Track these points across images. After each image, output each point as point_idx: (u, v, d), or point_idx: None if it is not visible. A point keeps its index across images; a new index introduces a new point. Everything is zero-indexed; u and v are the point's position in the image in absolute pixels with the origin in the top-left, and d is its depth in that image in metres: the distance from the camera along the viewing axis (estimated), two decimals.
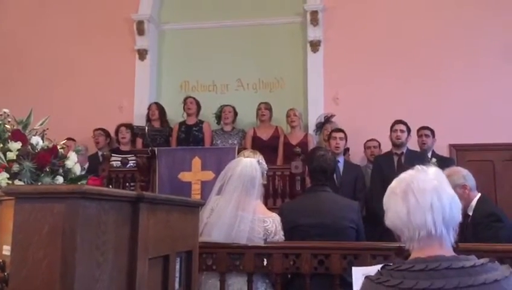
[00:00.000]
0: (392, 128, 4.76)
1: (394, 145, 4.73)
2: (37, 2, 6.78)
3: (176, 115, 6.19)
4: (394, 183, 1.46)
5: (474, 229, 2.97)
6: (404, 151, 4.69)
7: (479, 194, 3.15)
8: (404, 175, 1.45)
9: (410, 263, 1.34)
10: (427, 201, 1.36)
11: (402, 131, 4.68)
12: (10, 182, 1.97)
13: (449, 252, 1.37)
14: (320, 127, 5.72)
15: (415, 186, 1.39)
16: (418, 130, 5.08)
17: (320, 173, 2.88)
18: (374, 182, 4.73)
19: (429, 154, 5.01)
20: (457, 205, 1.41)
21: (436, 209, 1.36)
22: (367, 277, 1.41)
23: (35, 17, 6.73)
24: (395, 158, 4.69)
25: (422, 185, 1.39)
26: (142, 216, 1.43)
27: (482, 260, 1.32)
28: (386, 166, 4.67)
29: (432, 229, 1.35)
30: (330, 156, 2.99)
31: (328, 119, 5.66)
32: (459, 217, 1.41)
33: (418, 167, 1.46)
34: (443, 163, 4.54)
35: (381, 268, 1.40)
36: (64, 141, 2.46)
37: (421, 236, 1.35)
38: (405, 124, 4.74)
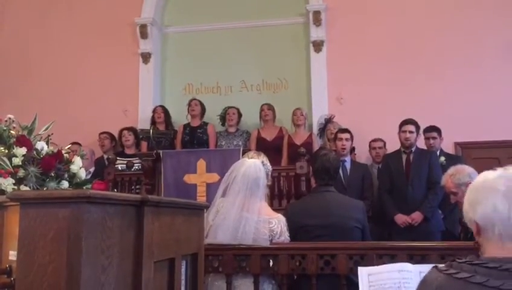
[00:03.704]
0: (400, 129, 4.70)
1: (403, 145, 4.70)
2: (40, 8, 6.82)
3: (180, 117, 6.20)
4: (490, 177, 1.43)
5: None
6: (413, 149, 4.67)
7: None
8: (499, 171, 1.43)
9: (484, 260, 1.32)
10: None
11: (411, 132, 4.62)
12: (16, 187, 1.98)
13: None
14: (322, 129, 5.71)
15: None
16: (425, 132, 5.03)
17: (323, 172, 2.88)
18: (382, 180, 4.71)
19: (437, 153, 4.99)
20: None
21: None
22: (435, 267, 1.40)
23: (39, 23, 6.76)
24: (404, 157, 4.65)
25: None
26: (147, 220, 1.43)
27: None
28: (395, 165, 4.65)
29: None
30: (333, 155, 3.00)
31: (329, 120, 5.65)
32: None
33: (509, 166, 1.44)
34: (451, 161, 4.53)
35: (452, 261, 1.37)
36: (69, 146, 2.47)
37: None
38: (414, 123, 4.67)
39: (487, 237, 1.38)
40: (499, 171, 1.43)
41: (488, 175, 1.44)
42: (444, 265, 1.37)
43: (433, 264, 1.48)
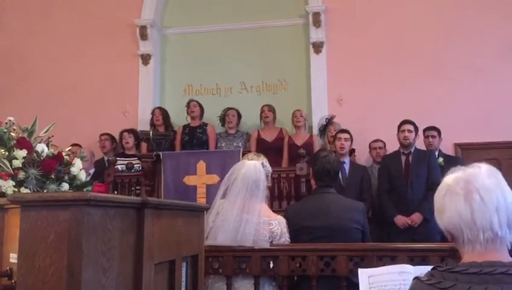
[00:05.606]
0: (399, 129, 4.73)
1: (402, 145, 4.70)
2: (40, 9, 6.82)
3: (179, 119, 6.20)
4: (450, 181, 1.36)
5: None
6: (412, 150, 4.67)
7: None
8: (458, 173, 1.36)
9: (464, 266, 1.29)
10: (493, 200, 1.29)
11: (410, 131, 4.65)
12: (16, 189, 1.98)
13: (506, 257, 1.31)
14: (323, 130, 5.71)
15: (479, 185, 1.31)
16: (424, 131, 5.05)
17: (323, 174, 2.88)
18: (382, 181, 4.71)
19: (436, 154, 4.99)
20: None
21: (502, 209, 1.29)
22: (417, 278, 1.36)
23: (39, 25, 6.76)
24: (403, 158, 4.66)
25: (486, 183, 1.31)
26: (147, 222, 1.43)
27: None
28: (394, 166, 4.66)
29: (497, 231, 1.28)
30: (333, 157, 2.99)
31: (330, 121, 5.65)
32: None
33: (471, 165, 1.37)
34: (450, 162, 4.53)
35: (432, 269, 1.34)
36: (69, 148, 2.46)
37: (485, 238, 1.29)
38: (412, 123, 4.70)
39: (460, 243, 1.35)
40: (458, 173, 1.37)
41: (448, 179, 1.38)
42: (425, 275, 1.33)
43: (434, 266, 1.47)
